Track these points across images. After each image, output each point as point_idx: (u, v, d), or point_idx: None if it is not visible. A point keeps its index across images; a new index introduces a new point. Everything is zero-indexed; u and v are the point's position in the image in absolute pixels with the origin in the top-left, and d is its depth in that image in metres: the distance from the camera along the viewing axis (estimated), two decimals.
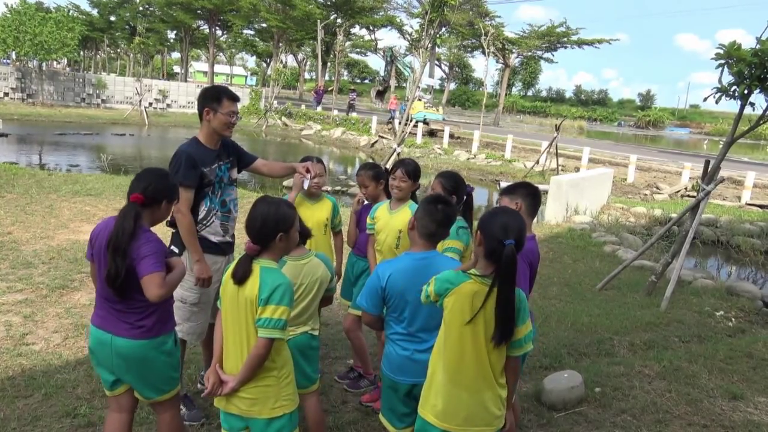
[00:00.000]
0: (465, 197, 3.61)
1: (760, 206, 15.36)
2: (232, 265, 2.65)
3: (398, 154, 10.20)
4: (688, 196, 16.47)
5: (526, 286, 3.02)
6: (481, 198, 16.67)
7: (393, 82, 36.57)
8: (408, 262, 2.81)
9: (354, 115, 34.82)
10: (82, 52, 67.41)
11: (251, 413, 2.61)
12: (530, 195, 3.16)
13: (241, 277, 2.53)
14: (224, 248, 3.79)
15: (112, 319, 2.77)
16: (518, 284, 2.78)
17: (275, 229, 2.58)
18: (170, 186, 2.92)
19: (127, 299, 2.72)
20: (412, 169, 3.82)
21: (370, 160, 20.42)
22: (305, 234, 3.01)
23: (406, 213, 3.75)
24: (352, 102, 38.26)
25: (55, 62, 45.26)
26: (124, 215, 2.69)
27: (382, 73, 39.34)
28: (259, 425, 2.63)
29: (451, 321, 2.47)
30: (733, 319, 6.48)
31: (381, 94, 35.35)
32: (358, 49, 69.31)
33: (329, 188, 10.02)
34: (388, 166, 4.40)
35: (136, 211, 2.71)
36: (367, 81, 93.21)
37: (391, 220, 3.80)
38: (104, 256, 2.71)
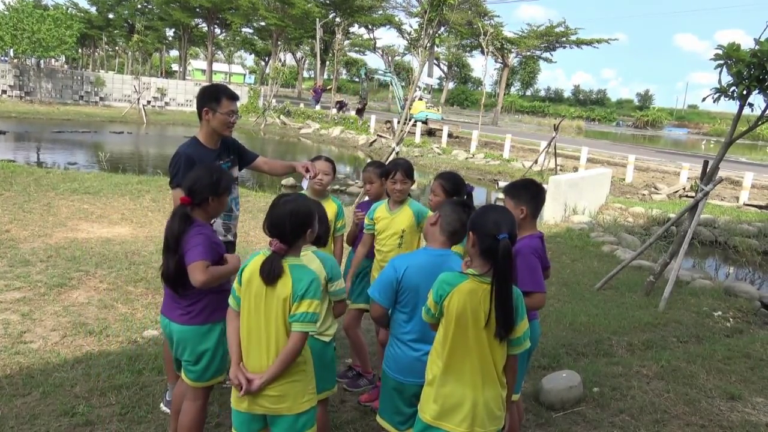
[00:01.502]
0: (465, 197, 3.60)
1: (758, 207, 15.38)
2: (253, 264, 2.58)
3: (397, 154, 10.19)
4: (687, 196, 16.49)
5: (542, 280, 3.01)
6: (479, 197, 16.67)
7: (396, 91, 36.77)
8: (425, 257, 2.81)
9: (352, 113, 34.84)
10: (80, 50, 67.28)
11: (279, 410, 2.58)
12: (533, 198, 3.13)
13: (273, 277, 2.50)
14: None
15: (171, 304, 3.03)
16: (527, 279, 2.87)
17: (304, 226, 2.60)
18: (212, 181, 2.99)
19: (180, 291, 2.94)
20: (409, 169, 3.82)
21: (369, 159, 20.42)
22: (321, 238, 2.96)
23: (406, 212, 3.76)
24: (341, 106, 38.09)
25: (53, 60, 45.17)
26: (173, 217, 2.90)
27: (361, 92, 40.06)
28: (286, 422, 2.60)
29: (452, 321, 2.46)
30: (731, 320, 6.49)
31: (360, 112, 35.82)
32: (356, 48, 69.31)
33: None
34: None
35: (184, 212, 2.90)
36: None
37: (393, 220, 3.80)
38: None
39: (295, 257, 2.61)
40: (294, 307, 2.50)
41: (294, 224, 2.55)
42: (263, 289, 2.53)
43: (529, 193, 3.14)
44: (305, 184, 3.88)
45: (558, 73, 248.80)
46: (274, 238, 2.55)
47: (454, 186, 3.57)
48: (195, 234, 2.86)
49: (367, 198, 4.36)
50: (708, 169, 6.94)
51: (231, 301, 2.67)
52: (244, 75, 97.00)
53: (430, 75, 48.18)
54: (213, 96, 3.64)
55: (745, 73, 6.10)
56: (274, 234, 2.55)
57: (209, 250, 2.87)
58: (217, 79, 69.70)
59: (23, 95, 32.75)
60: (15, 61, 35.00)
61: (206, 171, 3.02)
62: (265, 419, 2.64)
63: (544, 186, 11.53)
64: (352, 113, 35.30)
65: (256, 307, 2.56)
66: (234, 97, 3.72)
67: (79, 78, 35.63)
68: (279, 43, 49.99)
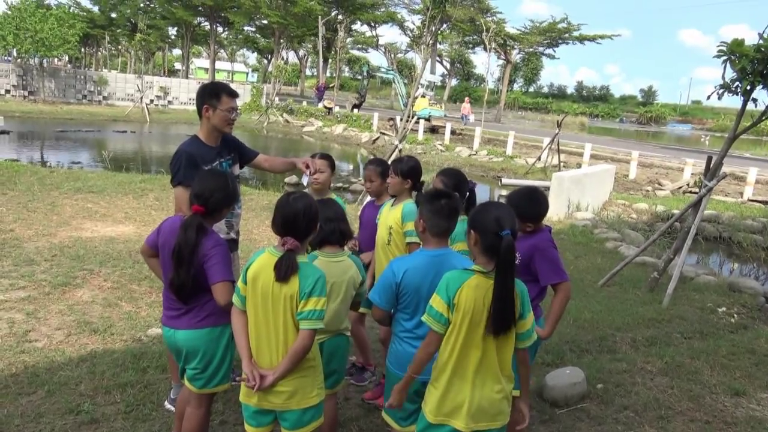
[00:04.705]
0: (467, 193, 3.59)
1: (762, 202, 15.33)
2: (259, 263, 2.60)
3: (400, 151, 10.18)
4: (690, 192, 16.45)
5: (564, 269, 3.14)
6: (483, 194, 16.64)
7: (399, 89, 36.74)
8: (423, 259, 2.82)
9: (356, 112, 34.87)
10: (83, 49, 67.36)
11: (288, 405, 2.62)
12: (538, 216, 3.28)
13: (287, 274, 2.51)
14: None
15: (175, 313, 2.93)
16: (552, 272, 3.12)
17: (315, 222, 2.63)
18: (230, 194, 2.95)
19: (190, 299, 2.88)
20: (401, 167, 3.77)
21: (371, 157, 20.40)
22: (347, 234, 3.04)
23: (398, 210, 3.73)
24: (320, 95, 37.95)
25: (56, 59, 45.25)
26: (186, 227, 2.78)
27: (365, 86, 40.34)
28: (293, 416, 2.65)
29: (460, 317, 2.45)
30: (735, 316, 6.47)
31: (357, 108, 35.94)
32: (359, 46, 69.22)
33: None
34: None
35: (199, 222, 2.80)
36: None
37: (388, 216, 3.79)
38: (168, 261, 2.83)
39: (301, 255, 2.63)
40: (301, 305, 2.52)
41: (307, 221, 2.58)
42: (270, 286, 2.55)
43: (532, 209, 3.25)
44: (305, 180, 3.88)
45: (561, 70, 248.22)
46: (288, 235, 2.55)
47: (455, 182, 3.55)
48: (213, 246, 2.81)
49: (369, 197, 4.35)
50: (711, 165, 6.91)
51: (235, 300, 2.68)
52: (247, 73, 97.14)
53: (432, 72, 48.12)
54: (213, 93, 3.63)
55: (749, 69, 6.06)
56: (288, 231, 2.57)
57: (230, 267, 2.86)
58: (220, 77, 69.73)
59: (26, 95, 32.88)
60: (18, 60, 35.06)
61: (222, 181, 2.93)
62: (274, 411, 2.68)
63: (548, 183, 11.50)
64: (346, 109, 35.51)
65: (264, 304, 2.57)
66: (234, 94, 3.72)
67: (82, 77, 35.75)
68: (281, 41, 49.92)
